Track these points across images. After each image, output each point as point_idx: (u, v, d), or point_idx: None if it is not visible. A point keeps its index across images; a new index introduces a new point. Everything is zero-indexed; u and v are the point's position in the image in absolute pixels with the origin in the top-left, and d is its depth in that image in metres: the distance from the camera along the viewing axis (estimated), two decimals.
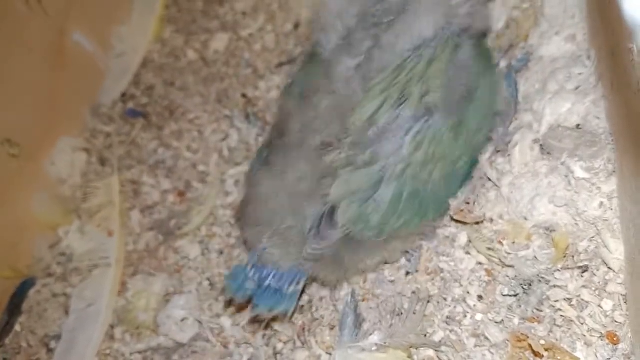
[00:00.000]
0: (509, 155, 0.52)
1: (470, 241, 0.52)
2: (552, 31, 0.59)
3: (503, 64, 0.60)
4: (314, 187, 0.49)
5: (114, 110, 0.76)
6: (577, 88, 0.52)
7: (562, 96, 0.52)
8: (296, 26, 0.76)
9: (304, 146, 0.50)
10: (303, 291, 0.55)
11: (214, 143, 0.71)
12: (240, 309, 0.59)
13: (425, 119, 0.47)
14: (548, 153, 0.50)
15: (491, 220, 0.51)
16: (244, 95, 0.73)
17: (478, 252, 0.51)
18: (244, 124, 0.71)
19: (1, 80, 0.63)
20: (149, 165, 0.72)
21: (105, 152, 0.73)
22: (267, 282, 0.51)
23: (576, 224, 0.48)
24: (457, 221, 0.53)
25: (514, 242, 0.49)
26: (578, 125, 0.49)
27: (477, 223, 0.51)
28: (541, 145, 0.50)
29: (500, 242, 0.49)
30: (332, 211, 0.48)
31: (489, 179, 0.53)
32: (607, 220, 0.46)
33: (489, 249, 0.50)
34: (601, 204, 0.47)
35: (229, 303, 0.59)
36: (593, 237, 0.47)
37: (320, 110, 0.50)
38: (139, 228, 0.68)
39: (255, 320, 0.57)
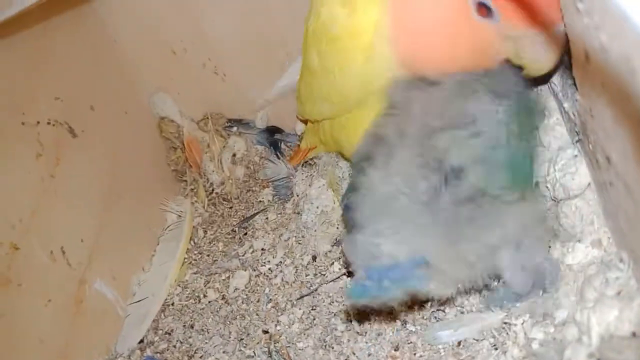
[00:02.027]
0: None
1: None
2: (574, 239, 0.58)
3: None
4: (424, 165, 0.52)
5: (130, 359, 0.72)
6: (618, 293, 0.49)
7: (605, 303, 0.49)
8: (314, 258, 0.77)
9: (404, 138, 0.54)
10: None
11: None
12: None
13: (505, 101, 0.55)
14: None
15: None
16: (265, 332, 0.70)
17: None
18: None
19: (15, 335, 0.61)
20: None
21: None
22: (388, 278, 0.51)
23: None
24: None
25: None
26: (634, 333, 0.45)
27: None
28: (598, 359, 0.46)
29: None
30: (453, 172, 0.52)
31: None
32: None
33: None
34: None
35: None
36: None
37: (412, 114, 0.56)
38: None
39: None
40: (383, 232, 0.52)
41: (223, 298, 0.77)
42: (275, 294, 0.74)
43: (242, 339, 0.71)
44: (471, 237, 0.53)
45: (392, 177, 0.54)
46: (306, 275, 0.75)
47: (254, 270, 0.78)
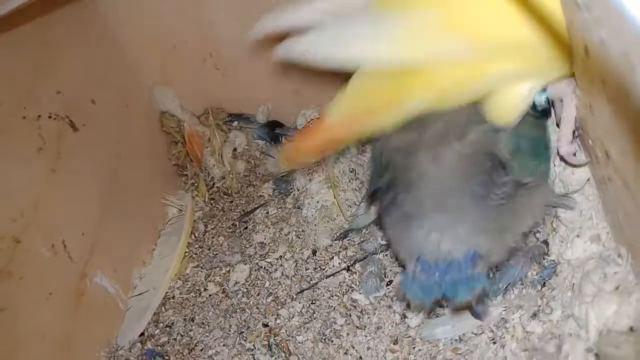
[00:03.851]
0: None
1: None
2: (572, 234, 0.58)
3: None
4: (475, 160, 0.53)
5: (131, 352, 0.73)
6: (617, 288, 0.49)
7: (603, 298, 0.49)
8: (314, 252, 0.77)
9: (448, 134, 0.55)
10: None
11: None
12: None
13: None
14: None
15: None
16: (265, 325, 0.71)
17: None
18: (265, 356, 0.67)
19: (17, 328, 0.62)
20: None
21: None
22: (448, 276, 0.50)
23: None
24: None
25: None
26: (631, 327, 0.45)
27: None
28: (596, 354, 0.46)
29: None
30: (497, 165, 0.53)
31: None
32: None
33: None
34: None
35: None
36: None
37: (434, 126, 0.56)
38: None
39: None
40: (441, 228, 0.52)
41: (223, 292, 0.77)
42: (276, 288, 0.75)
43: (242, 332, 0.71)
44: (512, 227, 0.55)
45: (448, 172, 0.54)
46: (306, 270, 0.75)
47: (254, 264, 0.79)
